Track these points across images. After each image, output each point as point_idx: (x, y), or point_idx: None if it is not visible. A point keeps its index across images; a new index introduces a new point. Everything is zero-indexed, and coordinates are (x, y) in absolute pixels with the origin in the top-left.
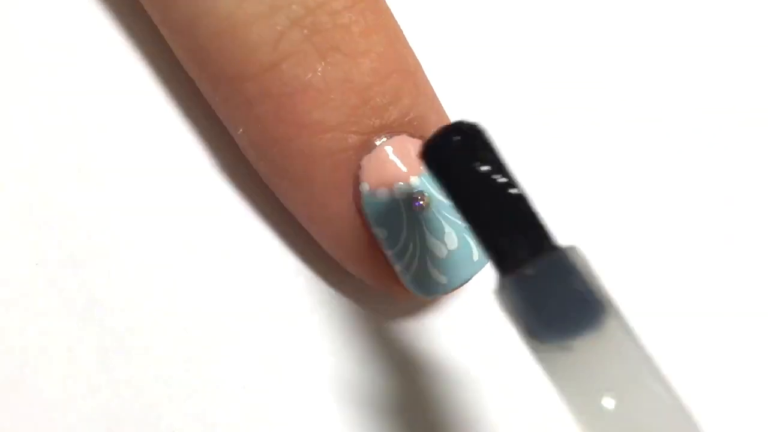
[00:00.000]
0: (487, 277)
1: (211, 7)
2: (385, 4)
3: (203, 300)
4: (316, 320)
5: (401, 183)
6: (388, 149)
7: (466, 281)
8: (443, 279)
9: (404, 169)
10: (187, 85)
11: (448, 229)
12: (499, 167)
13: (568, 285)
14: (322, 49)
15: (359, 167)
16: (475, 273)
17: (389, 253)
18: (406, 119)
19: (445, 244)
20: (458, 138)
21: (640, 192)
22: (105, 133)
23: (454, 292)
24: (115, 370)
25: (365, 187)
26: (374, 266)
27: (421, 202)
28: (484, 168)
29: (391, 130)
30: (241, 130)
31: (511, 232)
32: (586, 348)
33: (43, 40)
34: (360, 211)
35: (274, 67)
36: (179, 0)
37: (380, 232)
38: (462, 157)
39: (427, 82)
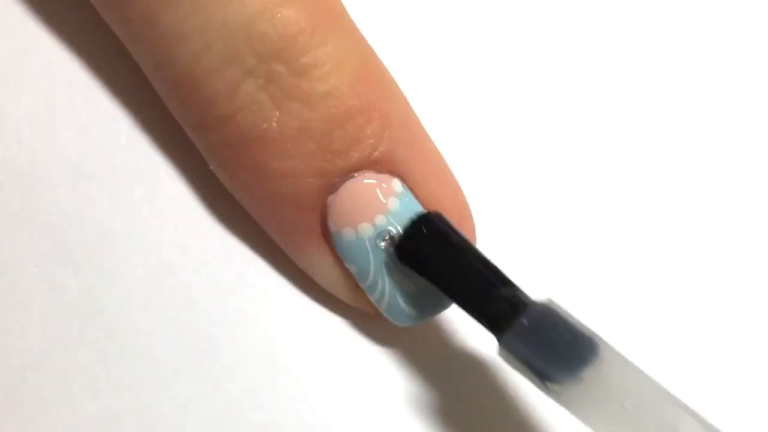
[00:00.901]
0: None
1: (169, 59)
2: (351, 24)
3: (203, 300)
4: (320, 319)
5: (365, 223)
6: (350, 191)
7: (439, 313)
8: (414, 312)
9: (368, 209)
10: None
11: None
12: (467, 248)
13: (561, 327)
14: (277, 98)
15: (326, 206)
16: (448, 306)
17: (362, 286)
18: (371, 158)
19: (414, 282)
20: (424, 232)
21: (640, 193)
22: (105, 134)
23: None
24: (115, 371)
25: (332, 226)
26: (352, 296)
27: (384, 243)
28: (454, 253)
29: (355, 169)
30: (211, 167)
31: (492, 297)
32: (595, 373)
33: (44, 41)
34: (331, 247)
35: (231, 117)
36: (142, 44)
37: (351, 268)
38: (431, 249)
39: (400, 106)
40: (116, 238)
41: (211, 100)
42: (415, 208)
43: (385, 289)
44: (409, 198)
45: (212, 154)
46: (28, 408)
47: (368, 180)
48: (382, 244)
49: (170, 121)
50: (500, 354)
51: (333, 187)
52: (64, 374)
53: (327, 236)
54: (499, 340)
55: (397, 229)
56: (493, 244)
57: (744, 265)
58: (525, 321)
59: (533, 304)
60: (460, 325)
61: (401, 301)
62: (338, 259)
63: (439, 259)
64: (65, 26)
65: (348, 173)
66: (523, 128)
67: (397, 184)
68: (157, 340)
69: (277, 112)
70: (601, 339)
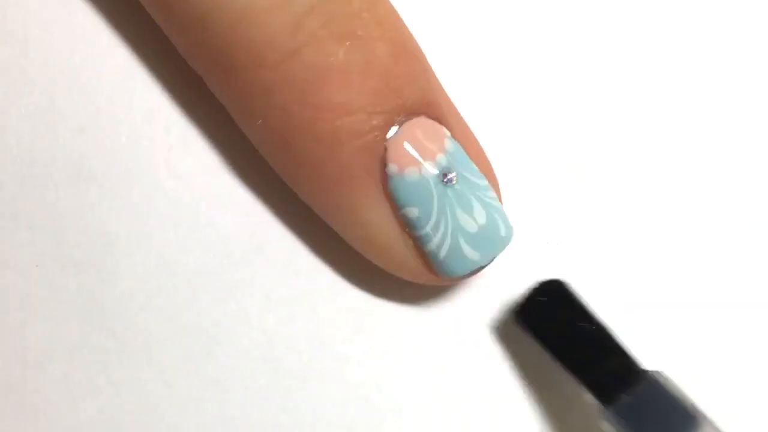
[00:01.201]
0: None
1: None
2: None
3: (203, 300)
4: (320, 320)
5: (429, 161)
6: (413, 129)
7: (494, 257)
8: (475, 255)
9: (431, 147)
10: (190, 84)
11: (476, 204)
12: (585, 316)
13: (664, 404)
14: (340, 34)
15: (384, 149)
16: (503, 248)
17: (420, 233)
18: (424, 101)
19: (475, 219)
20: (544, 298)
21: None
22: (105, 134)
23: (475, 277)
24: (115, 370)
25: (393, 168)
26: (403, 251)
27: (452, 177)
28: (572, 319)
29: (411, 111)
30: (260, 121)
31: (605, 368)
32: None
33: (43, 41)
34: (387, 193)
35: (295, 53)
36: None
37: (410, 212)
38: (550, 315)
39: (432, 70)
40: (116, 238)
41: (274, 36)
42: (465, 155)
43: (448, 231)
44: (458, 144)
45: (270, 98)
46: (29, 407)
47: (426, 120)
48: (446, 179)
49: (171, 121)
50: (603, 424)
51: (392, 128)
52: (64, 374)
53: (384, 182)
54: (605, 410)
55: (456, 167)
56: None
57: (756, 264)
58: (628, 397)
59: (640, 375)
60: (467, 323)
61: (463, 242)
62: (391, 208)
63: (555, 325)
64: (65, 26)
65: (405, 114)
66: (521, 130)
67: (446, 130)
68: (156, 340)
69: (342, 47)
70: (703, 416)
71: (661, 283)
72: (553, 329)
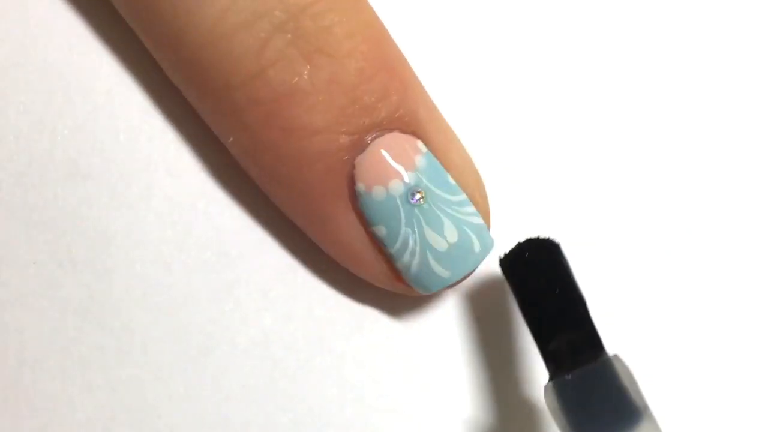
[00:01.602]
0: (490, 267)
1: (194, 21)
2: (368, 2)
3: (200, 299)
4: (317, 319)
5: (396, 180)
6: (381, 147)
7: (469, 273)
8: (445, 273)
9: (398, 166)
10: None
11: (447, 222)
12: (565, 279)
13: (604, 392)
14: (307, 53)
15: (353, 167)
16: (477, 264)
17: (389, 251)
18: (396, 116)
19: (445, 238)
20: (530, 253)
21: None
22: (103, 132)
23: (456, 285)
24: (113, 369)
25: (361, 187)
26: (375, 265)
27: (418, 197)
28: (549, 279)
29: (382, 127)
30: (231, 138)
31: (564, 337)
32: None
33: (43, 39)
34: (357, 211)
35: (260, 74)
36: (161, 16)
37: (379, 231)
38: (531, 270)
39: (414, 76)
40: (114, 235)
41: (240, 57)
42: (440, 171)
43: (416, 249)
44: (433, 160)
45: (238, 118)
46: (25, 405)
47: (397, 137)
48: (413, 200)
49: (169, 119)
50: (544, 394)
51: (362, 146)
52: (60, 372)
53: (353, 200)
54: (548, 382)
55: (427, 186)
56: None
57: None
58: (575, 375)
59: (596, 355)
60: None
61: (432, 261)
62: (362, 224)
63: (533, 284)
64: (64, 25)
65: (376, 131)
66: (515, 132)
67: (421, 144)
68: (154, 339)
69: (308, 66)
70: (648, 415)
71: (649, 283)
72: (532, 286)
